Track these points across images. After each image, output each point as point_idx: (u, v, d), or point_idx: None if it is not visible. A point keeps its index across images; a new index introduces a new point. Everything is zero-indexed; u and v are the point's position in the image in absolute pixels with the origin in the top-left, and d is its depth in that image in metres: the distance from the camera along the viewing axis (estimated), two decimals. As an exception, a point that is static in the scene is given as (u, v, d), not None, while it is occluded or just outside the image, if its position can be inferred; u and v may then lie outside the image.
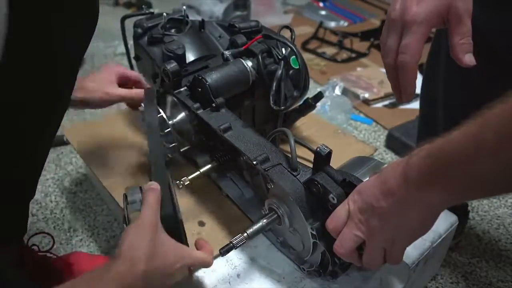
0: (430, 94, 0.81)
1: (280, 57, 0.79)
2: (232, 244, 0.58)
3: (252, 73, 0.77)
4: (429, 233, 0.73)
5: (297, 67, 0.80)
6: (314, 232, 0.56)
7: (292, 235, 0.63)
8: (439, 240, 0.74)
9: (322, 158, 0.56)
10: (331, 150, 0.56)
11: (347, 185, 0.55)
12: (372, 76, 1.62)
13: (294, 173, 0.59)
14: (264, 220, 0.61)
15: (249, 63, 0.78)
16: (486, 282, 0.90)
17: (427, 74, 0.81)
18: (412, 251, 0.70)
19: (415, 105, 1.51)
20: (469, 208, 1.05)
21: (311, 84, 1.62)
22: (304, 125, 1.00)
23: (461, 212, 0.82)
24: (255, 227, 0.60)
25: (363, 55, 1.85)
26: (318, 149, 0.56)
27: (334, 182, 0.55)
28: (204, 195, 0.80)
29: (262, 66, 0.78)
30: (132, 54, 0.94)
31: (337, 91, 1.50)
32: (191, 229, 0.73)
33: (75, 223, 1.00)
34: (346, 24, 2.21)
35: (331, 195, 0.54)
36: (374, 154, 1.25)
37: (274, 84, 0.77)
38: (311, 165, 0.60)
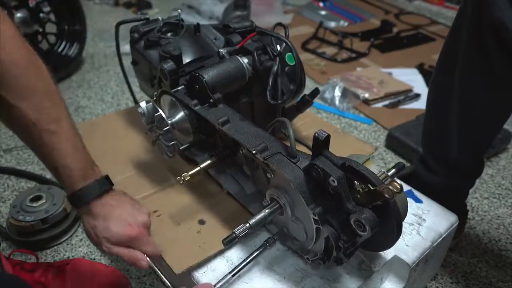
0: (442, 91, 0.81)
1: (275, 54, 0.79)
2: (235, 234, 0.58)
3: (248, 69, 0.78)
4: (430, 233, 0.74)
5: (293, 63, 0.80)
6: (316, 217, 0.56)
7: (294, 225, 0.63)
8: (439, 240, 0.74)
9: (320, 143, 0.56)
10: (329, 134, 0.56)
11: (347, 169, 0.56)
12: (372, 76, 1.62)
13: (293, 160, 0.59)
14: (266, 210, 0.61)
15: (245, 60, 0.78)
16: (486, 282, 0.90)
17: (441, 70, 0.81)
18: (412, 251, 0.70)
19: (415, 105, 1.52)
20: (469, 208, 1.05)
21: (312, 84, 1.63)
22: (304, 125, 1.00)
23: (460, 211, 0.82)
24: (257, 217, 0.60)
25: (363, 55, 1.85)
26: (316, 134, 0.56)
27: (333, 165, 0.55)
28: (204, 193, 0.80)
29: (258, 62, 0.78)
30: (128, 59, 0.94)
31: (337, 91, 1.50)
32: (191, 227, 0.73)
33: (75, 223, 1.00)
34: (346, 24, 2.21)
35: (331, 178, 0.54)
36: (374, 154, 1.25)
37: (271, 80, 0.78)
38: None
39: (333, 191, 0.55)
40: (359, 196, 0.55)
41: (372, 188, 0.53)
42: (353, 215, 0.54)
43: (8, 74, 0.56)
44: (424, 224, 0.76)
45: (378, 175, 0.56)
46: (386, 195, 0.51)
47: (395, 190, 0.50)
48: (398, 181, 0.52)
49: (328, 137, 0.56)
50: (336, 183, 0.54)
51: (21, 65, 0.58)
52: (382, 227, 0.55)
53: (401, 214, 0.57)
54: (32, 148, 0.63)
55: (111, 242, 0.64)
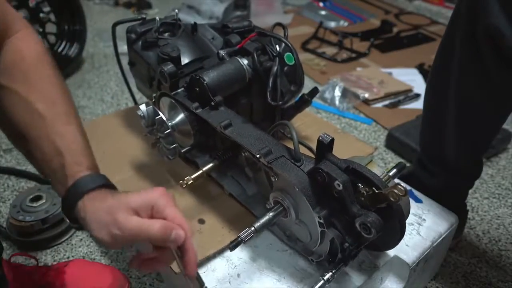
0: (439, 93, 0.81)
1: (274, 54, 0.79)
2: (240, 238, 0.58)
3: (248, 71, 0.78)
4: (430, 233, 0.74)
5: (293, 62, 0.80)
6: (321, 221, 0.57)
7: (298, 227, 0.63)
8: (439, 239, 0.74)
9: (324, 147, 0.56)
10: (333, 138, 0.56)
11: (351, 172, 0.56)
12: (372, 76, 1.62)
13: (297, 164, 0.59)
14: (271, 213, 0.61)
15: (244, 61, 0.78)
16: (486, 282, 0.90)
17: (436, 72, 0.81)
18: (412, 251, 0.70)
19: (415, 105, 1.52)
20: (469, 208, 1.05)
21: (311, 84, 1.63)
22: (303, 124, 1.00)
23: (460, 211, 0.82)
24: (262, 220, 0.60)
25: (363, 55, 1.85)
26: (320, 138, 0.56)
27: (338, 169, 0.55)
28: (204, 193, 0.80)
29: (258, 63, 0.78)
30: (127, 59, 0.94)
31: (337, 91, 1.50)
32: (191, 226, 0.73)
33: (75, 223, 1.00)
34: (346, 24, 2.21)
35: (336, 182, 0.54)
36: (374, 154, 1.25)
37: (271, 81, 0.78)
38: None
39: (337, 195, 0.56)
40: (363, 198, 0.55)
41: (376, 191, 0.54)
42: (359, 218, 0.54)
43: (19, 66, 0.57)
44: (424, 224, 0.76)
45: (381, 177, 0.56)
46: (391, 199, 0.51)
47: (400, 194, 0.51)
48: (402, 183, 0.52)
49: (332, 141, 0.56)
50: (341, 187, 0.54)
51: (32, 58, 0.59)
52: (385, 228, 0.55)
53: (405, 215, 0.57)
54: (34, 141, 0.57)
55: (132, 210, 0.51)
